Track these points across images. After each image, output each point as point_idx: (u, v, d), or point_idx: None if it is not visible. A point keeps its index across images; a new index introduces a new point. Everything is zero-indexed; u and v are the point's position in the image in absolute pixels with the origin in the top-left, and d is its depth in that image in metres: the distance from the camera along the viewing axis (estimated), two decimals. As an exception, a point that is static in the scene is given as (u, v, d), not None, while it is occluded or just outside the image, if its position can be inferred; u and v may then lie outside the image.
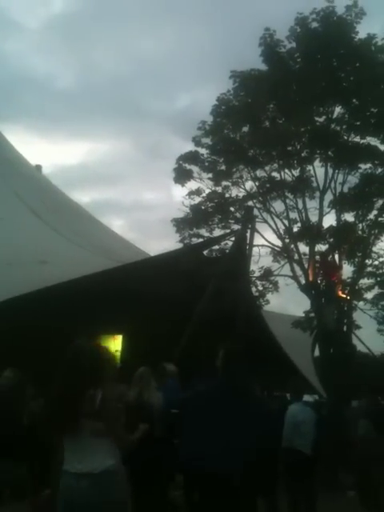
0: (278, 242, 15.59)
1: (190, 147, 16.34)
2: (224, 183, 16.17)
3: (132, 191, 57.94)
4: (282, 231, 15.55)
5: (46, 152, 48.84)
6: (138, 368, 6.67)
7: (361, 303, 15.38)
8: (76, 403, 3.22)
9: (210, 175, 16.01)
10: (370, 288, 15.19)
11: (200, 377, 8.08)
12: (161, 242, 43.51)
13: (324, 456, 10.49)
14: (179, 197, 16.27)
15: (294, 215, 15.50)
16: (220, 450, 3.85)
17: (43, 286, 11.71)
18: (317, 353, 14.80)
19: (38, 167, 22.55)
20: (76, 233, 16.73)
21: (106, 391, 3.30)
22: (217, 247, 16.25)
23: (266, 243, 15.58)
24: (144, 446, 5.26)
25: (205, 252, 16.24)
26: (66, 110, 50.82)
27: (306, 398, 13.11)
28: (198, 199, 16.07)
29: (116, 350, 17.21)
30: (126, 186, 57.16)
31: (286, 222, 15.49)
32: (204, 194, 16.10)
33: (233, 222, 16.04)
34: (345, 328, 14.79)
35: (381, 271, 15.07)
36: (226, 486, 3.75)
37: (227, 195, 16.23)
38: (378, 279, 14.99)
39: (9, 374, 7.18)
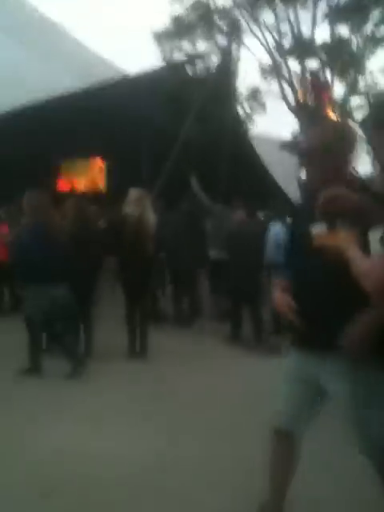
0: (268, 59, 14.62)
1: None
2: (209, -9, 14.56)
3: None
4: (271, 47, 14.50)
5: None
6: (120, 191, 6.61)
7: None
8: None
9: (194, -19, 14.35)
10: (360, 108, 14.73)
11: (186, 200, 8.12)
12: (141, 61, 40.09)
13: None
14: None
15: (285, 28, 14.35)
16: None
17: (17, 106, 11.09)
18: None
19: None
20: (50, 50, 15.45)
21: None
22: (201, 65, 15.22)
23: (255, 59, 14.63)
24: (139, 261, 5.69)
25: (188, 70, 15.24)
26: None
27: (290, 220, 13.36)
28: (180, 10, 14.60)
29: (101, 175, 17.04)
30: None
31: (277, 36, 14.37)
32: (187, 7, 14.58)
33: (218, 34, 14.80)
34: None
35: (373, 91, 14.48)
36: None
37: (212, 6, 14.73)
38: (370, 100, 14.45)
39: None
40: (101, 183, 16.71)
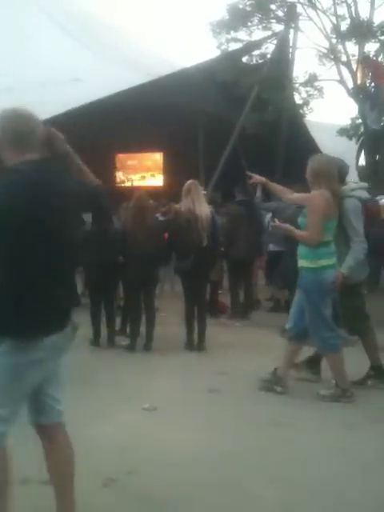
0: (325, 43, 14.30)
1: None
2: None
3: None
4: (328, 30, 14.16)
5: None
6: (179, 184, 6.66)
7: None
8: None
9: (248, -33, 14.16)
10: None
11: (241, 191, 8.12)
12: (196, 51, 39.39)
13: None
14: None
15: (342, 11, 13.97)
16: None
17: (79, 104, 11.42)
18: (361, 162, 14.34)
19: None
20: (106, 47, 15.75)
21: None
22: (257, 53, 15.09)
23: (311, 44, 14.33)
24: (194, 253, 5.70)
25: (244, 59, 15.14)
26: None
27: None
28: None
29: (159, 168, 17.28)
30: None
31: (334, 19, 14.02)
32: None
33: (274, 21, 14.60)
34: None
35: None
36: None
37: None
38: None
39: None
40: (159, 176, 16.95)
